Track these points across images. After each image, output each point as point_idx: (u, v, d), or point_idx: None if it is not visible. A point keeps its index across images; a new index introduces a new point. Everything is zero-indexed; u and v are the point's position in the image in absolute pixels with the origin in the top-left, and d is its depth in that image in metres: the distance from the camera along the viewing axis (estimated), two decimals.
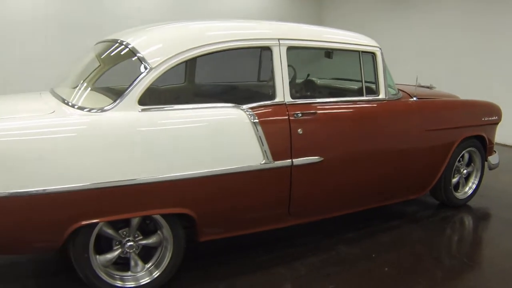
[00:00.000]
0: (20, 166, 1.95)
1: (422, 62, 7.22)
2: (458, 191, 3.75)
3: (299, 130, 2.60)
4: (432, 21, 7.15)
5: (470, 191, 3.80)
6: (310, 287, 2.53)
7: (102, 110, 2.17)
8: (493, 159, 3.87)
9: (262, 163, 2.46)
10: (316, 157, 2.67)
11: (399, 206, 3.72)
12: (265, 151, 2.47)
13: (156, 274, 2.35)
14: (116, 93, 2.32)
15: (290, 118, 2.58)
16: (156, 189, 2.19)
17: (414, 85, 3.48)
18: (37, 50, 6.64)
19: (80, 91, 2.45)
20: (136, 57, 2.31)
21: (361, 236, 3.21)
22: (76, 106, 2.24)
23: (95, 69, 2.67)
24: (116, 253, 2.30)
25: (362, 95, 3.01)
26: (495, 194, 4.10)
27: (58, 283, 2.52)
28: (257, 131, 2.44)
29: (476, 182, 3.82)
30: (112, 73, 2.54)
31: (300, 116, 2.61)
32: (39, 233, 2.09)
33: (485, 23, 6.44)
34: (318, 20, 9.60)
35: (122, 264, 2.36)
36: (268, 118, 2.49)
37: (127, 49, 2.39)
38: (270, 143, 2.47)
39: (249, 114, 2.44)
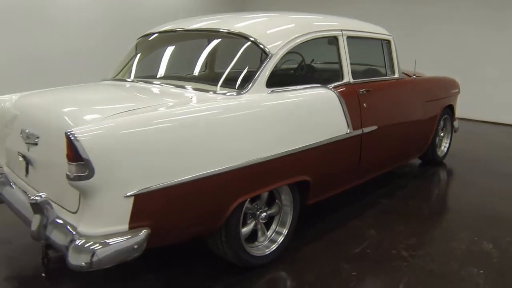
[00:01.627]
0: (190, 150, 2.05)
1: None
2: (437, 150, 4.67)
3: (364, 104, 3.15)
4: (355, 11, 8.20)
5: (445, 150, 4.76)
6: (390, 230, 3.11)
7: (231, 93, 2.42)
8: (456, 124, 4.87)
9: (347, 132, 2.96)
10: (374, 126, 3.25)
11: (397, 168, 4.50)
12: (348, 122, 2.97)
13: (285, 231, 2.70)
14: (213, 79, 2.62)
15: (358, 94, 3.12)
16: (290, 160, 2.52)
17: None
18: None
19: (197, 78, 2.67)
20: (255, 45, 2.59)
21: (388, 191, 3.90)
22: (210, 91, 2.47)
23: (186, 58, 2.90)
24: (251, 226, 2.57)
25: (384, 75, 3.68)
26: (458, 152, 5.13)
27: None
28: (343, 106, 2.93)
29: (448, 142, 4.79)
30: (224, 59, 2.76)
31: (364, 93, 3.16)
32: (208, 215, 2.21)
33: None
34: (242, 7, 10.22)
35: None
36: (346, 95, 2.99)
37: (245, 39, 2.63)
38: (350, 115, 2.98)
39: (335, 92, 2.92)
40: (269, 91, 2.53)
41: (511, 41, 7.09)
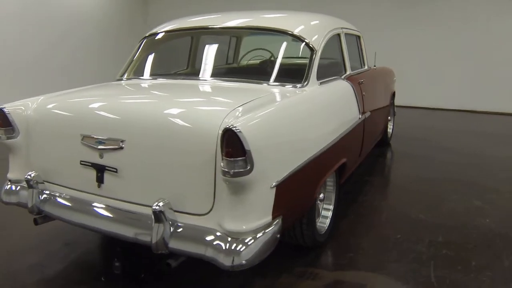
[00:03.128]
0: (305, 136, 2.29)
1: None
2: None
3: (363, 93, 3.57)
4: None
5: (391, 131, 5.50)
6: (394, 200, 3.61)
7: (289, 87, 2.62)
8: (394, 107, 5.64)
9: (359, 118, 3.36)
10: (369, 112, 3.71)
11: None
12: (359, 109, 3.36)
13: (332, 207, 2.95)
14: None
15: (360, 84, 3.53)
16: (340, 144, 2.80)
17: None
18: None
19: (246, 73, 2.79)
20: (300, 40, 2.81)
21: (365, 170, 4.42)
22: (277, 84, 2.63)
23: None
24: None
25: (360, 67, 4.17)
26: (397, 133, 5.91)
27: None
28: (356, 95, 3.31)
29: (392, 125, 5.53)
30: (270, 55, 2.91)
31: (363, 83, 3.59)
32: (308, 198, 2.39)
33: None
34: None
35: None
36: (354, 85, 3.37)
37: (288, 35, 2.83)
38: (359, 103, 3.38)
39: (349, 83, 3.28)
40: (319, 83, 2.79)
41: (418, 35, 8.39)
